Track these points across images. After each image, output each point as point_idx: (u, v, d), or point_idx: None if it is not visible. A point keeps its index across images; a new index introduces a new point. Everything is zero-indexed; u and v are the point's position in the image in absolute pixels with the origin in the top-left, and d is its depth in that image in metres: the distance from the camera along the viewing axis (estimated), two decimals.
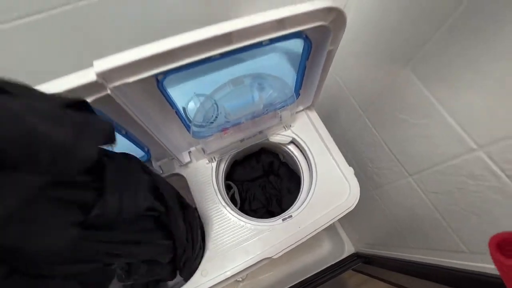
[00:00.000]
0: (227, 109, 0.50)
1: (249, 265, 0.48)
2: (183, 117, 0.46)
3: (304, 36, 0.38)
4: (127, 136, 0.41)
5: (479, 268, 0.49)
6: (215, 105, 0.51)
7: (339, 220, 0.89)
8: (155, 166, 0.52)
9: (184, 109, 0.54)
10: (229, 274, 0.47)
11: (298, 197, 0.61)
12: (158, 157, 0.54)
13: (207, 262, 0.48)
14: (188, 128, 0.48)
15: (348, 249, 1.09)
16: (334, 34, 0.37)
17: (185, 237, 0.38)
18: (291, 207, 0.60)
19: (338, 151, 0.58)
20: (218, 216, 0.53)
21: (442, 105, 0.42)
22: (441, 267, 0.59)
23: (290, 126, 0.61)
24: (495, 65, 0.34)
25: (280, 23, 0.32)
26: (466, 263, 0.52)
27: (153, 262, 0.36)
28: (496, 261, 0.21)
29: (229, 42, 0.31)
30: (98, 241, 0.23)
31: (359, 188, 0.55)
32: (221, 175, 0.62)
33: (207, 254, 0.49)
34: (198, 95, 0.50)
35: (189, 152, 0.57)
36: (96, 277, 0.25)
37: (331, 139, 0.59)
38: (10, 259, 0.17)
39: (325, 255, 1.12)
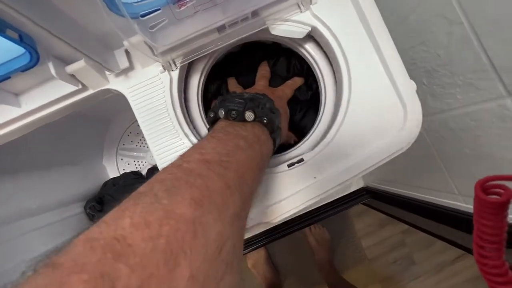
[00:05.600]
0: None
1: None
2: None
3: None
4: None
5: None
6: None
7: None
8: (59, 75, 0.28)
9: None
10: None
11: (313, 129, 0.39)
12: (64, 57, 0.29)
13: None
14: None
15: (357, 182, 0.97)
16: None
17: None
18: (299, 143, 0.39)
19: (395, 51, 0.32)
20: None
21: None
22: None
23: (311, 2, 0.33)
24: None
25: None
26: None
27: None
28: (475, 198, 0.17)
29: None
30: None
31: (421, 116, 0.32)
32: (194, 93, 0.38)
33: None
34: None
35: (126, 51, 0.32)
36: None
37: (384, 28, 0.32)
38: None
39: None
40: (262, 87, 0.39)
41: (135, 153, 0.83)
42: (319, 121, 0.40)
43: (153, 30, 0.27)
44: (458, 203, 0.52)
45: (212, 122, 0.27)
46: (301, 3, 0.33)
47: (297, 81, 0.44)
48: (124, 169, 0.83)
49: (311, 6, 0.33)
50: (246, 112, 0.24)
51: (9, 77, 0.27)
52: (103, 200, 0.73)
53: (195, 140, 0.33)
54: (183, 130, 0.33)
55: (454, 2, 0.35)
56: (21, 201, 0.58)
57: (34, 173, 0.62)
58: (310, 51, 0.40)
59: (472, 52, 0.35)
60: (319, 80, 0.42)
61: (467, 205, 0.50)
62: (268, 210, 0.32)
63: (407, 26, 0.44)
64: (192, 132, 0.34)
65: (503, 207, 0.16)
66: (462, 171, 0.48)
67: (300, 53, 0.42)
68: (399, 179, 0.75)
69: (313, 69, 0.42)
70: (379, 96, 0.32)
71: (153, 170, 0.79)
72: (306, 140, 0.39)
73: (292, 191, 0.32)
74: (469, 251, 0.71)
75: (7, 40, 0.25)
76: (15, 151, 0.58)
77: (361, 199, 0.92)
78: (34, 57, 0.26)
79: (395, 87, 0.32)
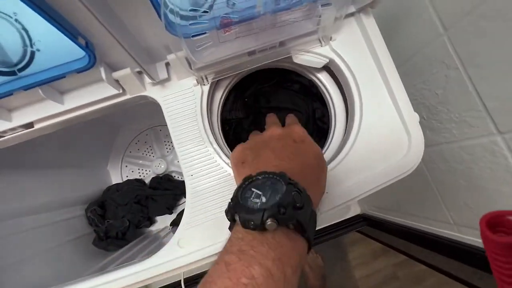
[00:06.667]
0: None
1: None
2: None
3: None
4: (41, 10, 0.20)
5: None
6: None
7: None
8: (107, 79, 0.32)
9: None
10: (213, 250, 0.31)
11: (324, 150, 0.43)
12: (113, 64, 0.33)
13: (185, 231, 0.32)
14: (164, 17, 0.26)
15: (354, 209, 0.99)
16: None
17: None
18: None
19: (401, 86, 0.37)
20: (207, 167, 0.35)
21: None
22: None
23: (330, 38, 0.38)
24: None
25: None
26: None
27: None
28: (483, 237, 0.18)
29: None
30: None
31: (423, 144, 0.36)
32: (216, 107, 0.42)
33: (186, 221, 0.33)
34: None
35: (167, 64, 0.36)
36: None
37: (392, 66, 0.37)
38: None
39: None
40: (277, 131, 0.32)
41: (140, 161, 0.85)
42: (330, 142, 0.43)
43: (198, 49, 0.31)
44: (453, 233, 0.54)
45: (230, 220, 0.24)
46: (322, 39, 0.38)
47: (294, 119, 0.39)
48: (127, 176, 0.84)
49: (330, 41, 0.38)
50: (267, 222, 0.21)
51: (64, 77, 0.30)
52: (105, 204, 0.73)
53: (218, 148, 0.36)
54: (208, 139, 0.36)
55: (451, 49, 0.40)
56: (26, 197, 0.58)
57: (41, 171, 0.62)
58: (322, 79, 0.45)
59: (466, 94, 0.40)
60: (329, 106, 0.46)
61: (461, 235, 0.53)
62: None
63: (411, 66, 0.49)
64: (215, 140, 0.37)
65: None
66: (457, 201, 0.51)
67: (313, 81, 0.47)
68: (396, 208, 0.78)
69: (324, 96, 0.47)
70: (387, 124, 0.36)
71: (156, 179, 0.80)
72: None
73: None
74: (465, 283, 0.71)
75: (69, 44, 0.29)
76: (27, 149, 0.59)
77: (357, 226, 0.94)
78: (92, 61, 0.29)
79: (401, 117, 0.36)
